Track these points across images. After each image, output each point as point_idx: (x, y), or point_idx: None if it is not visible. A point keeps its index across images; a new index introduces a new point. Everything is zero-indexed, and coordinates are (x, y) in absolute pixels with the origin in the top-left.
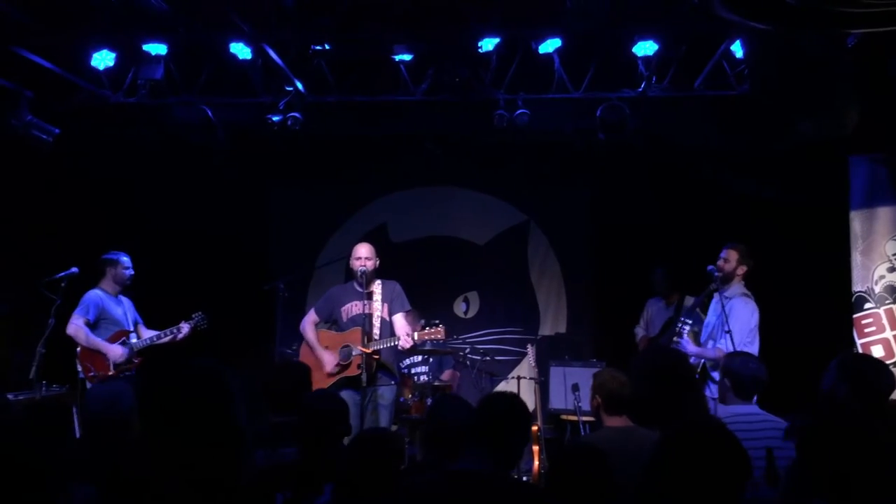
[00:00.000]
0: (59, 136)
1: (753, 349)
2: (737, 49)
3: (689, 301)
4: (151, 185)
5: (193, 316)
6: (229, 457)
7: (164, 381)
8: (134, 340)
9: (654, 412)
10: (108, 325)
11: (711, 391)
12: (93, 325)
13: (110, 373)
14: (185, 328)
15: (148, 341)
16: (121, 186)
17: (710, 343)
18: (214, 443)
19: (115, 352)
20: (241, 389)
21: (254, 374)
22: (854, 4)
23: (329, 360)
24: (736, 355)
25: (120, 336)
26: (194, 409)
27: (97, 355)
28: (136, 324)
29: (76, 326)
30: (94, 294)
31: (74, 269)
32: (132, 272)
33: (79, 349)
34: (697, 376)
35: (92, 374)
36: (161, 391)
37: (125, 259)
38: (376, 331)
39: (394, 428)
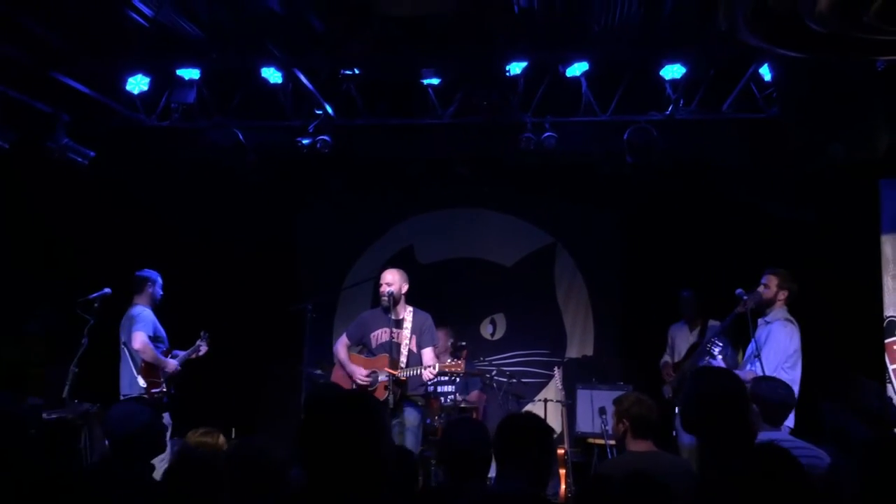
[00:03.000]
0: (94, 158)
1: (795, 373)
2: (765, 72)
3: (715, 326)
4: (184, 208)
5: (203, 334)
6: (373, 483)
7: (328, 408)
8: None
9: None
10: (157, 342)
11: None
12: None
13: (163, 388)
14: (203, 346)
15: (184, 358)
16: (154, 208)
17: (748, 366)
18: (362, 469)
19: (171, 365)
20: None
21: (282, 394)
22: (881, 32)
23: (360, 371)
24: (762, 380)
25: (166, 354)
26: (349, 436)
27: (156, 370)
28: None
29: (143, 342)
30: (147, 311)
31: (107, 290)
32: (163, 292)
33: (142, 364)
34: None
35: (156, 390)
36: (323, 417)
37: (160, 279)
38: (403, 359)
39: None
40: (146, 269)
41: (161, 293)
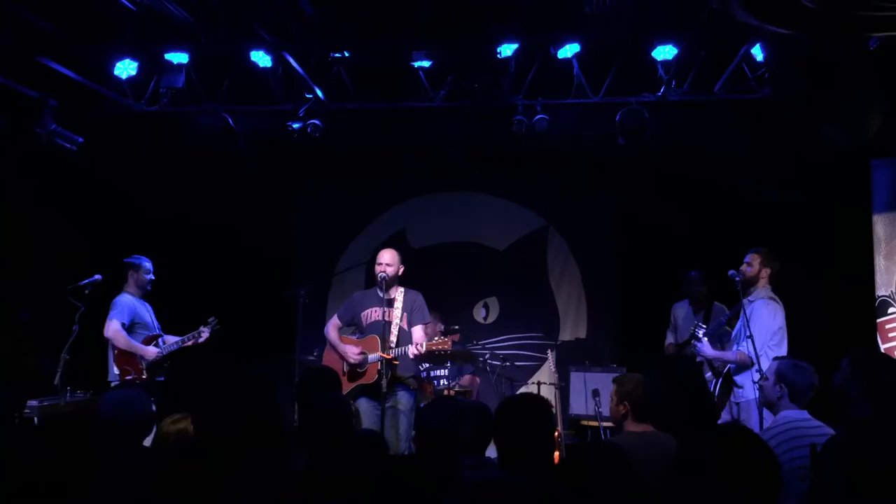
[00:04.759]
0: (83, 144)
1: (781, 350)
2: (757, 52)
3: (721, 309)
4: (174, 193)
5: (209, 321)
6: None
7: (222, 389)
8: (164, 344)
9: (672, 417)
10: (140, 329)
11: (735, 395)
12: (127, 329)
13: (143, 376)
14: (205, 333)
15: (175, 346)
16: (143, 194)
17: (734, 347)
18: (259, 444)
19: (151, 352)
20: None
21: (274, 380)
22: (875, 8)
23: (352, 350)
24: (786, 361)
25: (151, 340)
26: (244, 415)
27: (133, 358)
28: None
29: (115, 330)
30: (127, 298)
31: (98, 277)
32: (153, 277)
33: (115, 352)
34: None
35: (130, 377)
36: (220, 398)
37: (147, 264)
38: (394, 338)
39: (413, 433)
40: (133, 256)
41: (149, 278)
